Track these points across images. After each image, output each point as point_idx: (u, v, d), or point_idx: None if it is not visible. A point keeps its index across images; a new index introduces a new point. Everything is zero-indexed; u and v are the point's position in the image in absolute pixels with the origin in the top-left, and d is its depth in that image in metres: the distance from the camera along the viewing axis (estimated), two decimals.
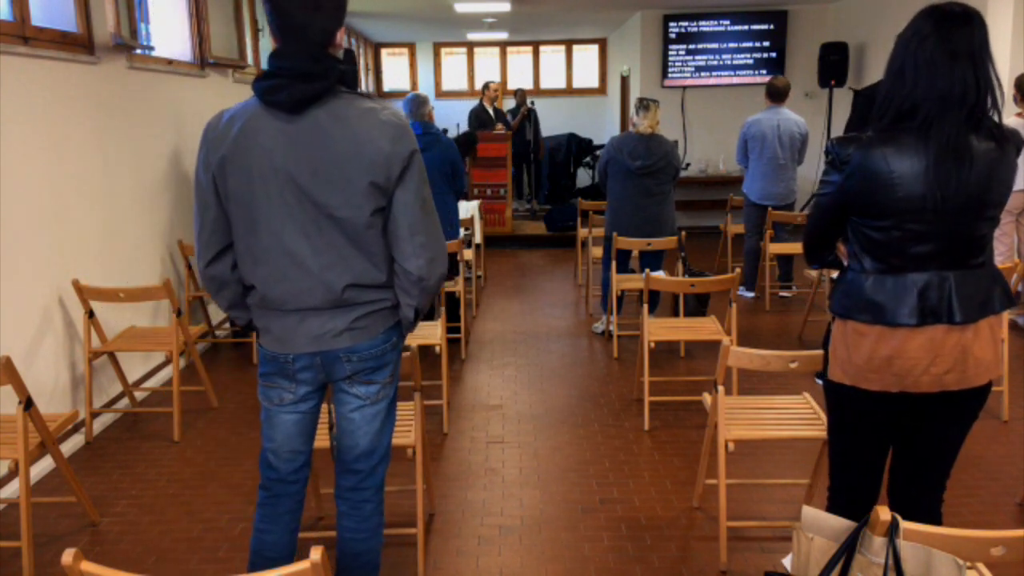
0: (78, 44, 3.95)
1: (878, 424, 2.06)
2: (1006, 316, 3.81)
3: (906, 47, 1.88)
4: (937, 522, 2.12)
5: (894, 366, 1.93)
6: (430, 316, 4.98)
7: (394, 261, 1.96)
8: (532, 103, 10.39)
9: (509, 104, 10.44)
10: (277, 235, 1.88)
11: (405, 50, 12.88)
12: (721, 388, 2.70)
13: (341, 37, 1.93)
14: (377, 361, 2.02)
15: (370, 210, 1.87)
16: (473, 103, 9.52)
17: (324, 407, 2.22)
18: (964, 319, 1.89)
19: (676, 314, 4.98)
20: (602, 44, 12.64)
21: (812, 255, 2.13)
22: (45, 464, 3.43)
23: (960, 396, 1.96)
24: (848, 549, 1.64)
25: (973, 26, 1.83)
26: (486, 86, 9.38)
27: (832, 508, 2.18)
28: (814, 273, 5.24)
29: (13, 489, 3.22)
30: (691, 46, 9.16)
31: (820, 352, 2.25)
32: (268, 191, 1.86)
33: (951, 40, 1.82)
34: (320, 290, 1.91)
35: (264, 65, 7.11)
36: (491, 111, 9.27)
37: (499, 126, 9.15)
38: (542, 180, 10.96)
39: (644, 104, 4.93)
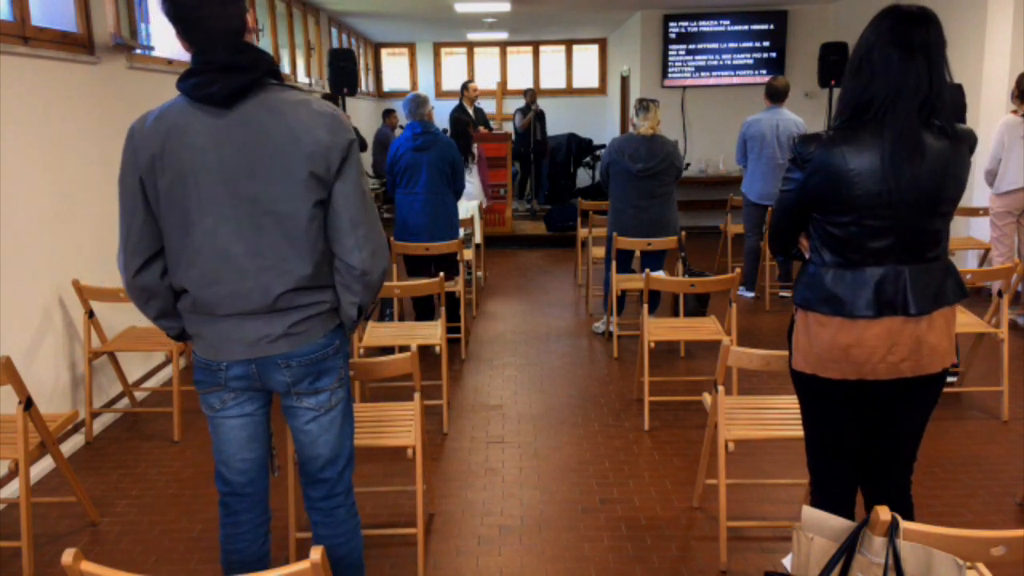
0: (78, 44, 3.95)
1: (841, 412, 2.12)
2: (1008, 311, 3.81)
3: (865, 46, 1.94)
4: (908, 508, 2.19)
5: (851, 355, 1.99)
6: (430, 316, 4.99)
7: (335, 257, 1.89)
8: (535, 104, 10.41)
9: (518, 103, 10.42)
10: (210, 235, 1.81)
11: (405, 50, 12.89)
12: (721, 388, 2.70)
13: (252, 21, 1.86)
14: (318, 367, 1.94)
15: (311, 203, 1.81)
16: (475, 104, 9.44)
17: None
18: (919, 311, 1.95)
19: (676, 314, 4.98)
20: (602, 44, 12.65)
21: (777, 248, 2.21)
22: (45, 464, 3.43)
23: (916, 383, 2.03)
24: (848, 549, 1.64)
25: (929, 25, 1.89)
26: (465, 86, 9.03)
27: (814, 499, 2.24)
28: None
29: (13, 489, 3.22)
30: (691, 46, 9.16)
31: None
32: (200, 190, 1.79)
33: (907, 37, 1.88)
34: (256, 294, 1.83)
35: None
36: (471, 112, 9.15)
37: (481, 128, 9.03)
38: (542, 180, 10.97)
39: (644, 105, 4.92)
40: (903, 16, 1.90)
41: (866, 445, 2.17)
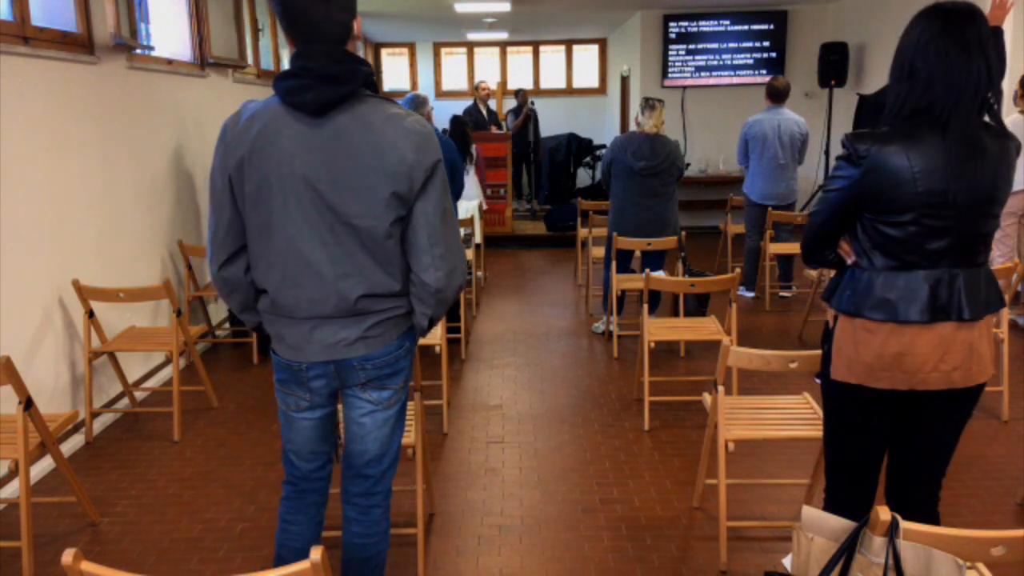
0: (78, 44, 3.95)
1: (880, 423, 2.07)
2: (1008, 311, 3.81)
3: (915, 47, 1.88)
4: (935, 520, 2.14)
5: (904, 363, 1.94)
6: None
7: (411, 271, 1.91)
8: (532, 103, 10.40)
9: (510, 104, 10.43)
10: (292, 241, 1.83)
11: (405, 50, 12.88)
12: (721, 388, 2.70)
13: (358, 28, 1.88)
14: (392, 368, 1.99)
15: (390, 220, 1.82)
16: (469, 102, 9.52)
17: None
18: (972, 316, 1.91)
19: (676, 314, 4.98)
20: (602, 44, 12.64)
21: (813, 254, 2.09)
22: (45, 464, 3.43)
23: (962, 393, 1.98)
24: (848, 549, 1.64)
25: (980, 21, 1.86)
26: (477, 86, 9.34)
27: (828, 509, 2.18)
28: (814, 273, 5.24)
29: (13, 489, 3.22)
30: (691, 46, 9.16)
31: (820, 352, 2.25)
32: (285, 195, 1.81)
33: (963, 34, 1.84)
34: (334, 299, 1.86)
35: (264, 65, 7.10)
36: (485, 111, 9.25)
37: (492, 128, 9.11)
38: (542, 180, 10.96)
39: (650, 104, 4.92)
40: (954, 13, 1.86)
41: (897, 458, 2.13)
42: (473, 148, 6.47)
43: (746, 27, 9.06)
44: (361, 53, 1.98)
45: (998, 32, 3.46)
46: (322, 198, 1.80)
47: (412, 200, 1.84)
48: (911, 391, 1.97)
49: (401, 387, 2.05)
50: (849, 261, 2.02)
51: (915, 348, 1.92)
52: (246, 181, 1.83)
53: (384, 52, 12.90)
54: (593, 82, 12.85)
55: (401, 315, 1.97)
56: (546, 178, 11.02)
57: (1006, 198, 1.92)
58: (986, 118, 1.90)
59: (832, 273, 2.14)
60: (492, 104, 9.76)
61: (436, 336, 3.93)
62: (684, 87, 9.28)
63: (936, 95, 1.85)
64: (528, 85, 12.45)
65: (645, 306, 4.03)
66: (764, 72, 9.03)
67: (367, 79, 1.83)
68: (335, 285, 1.85)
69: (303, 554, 2.11)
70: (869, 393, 2.00)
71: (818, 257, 2.09)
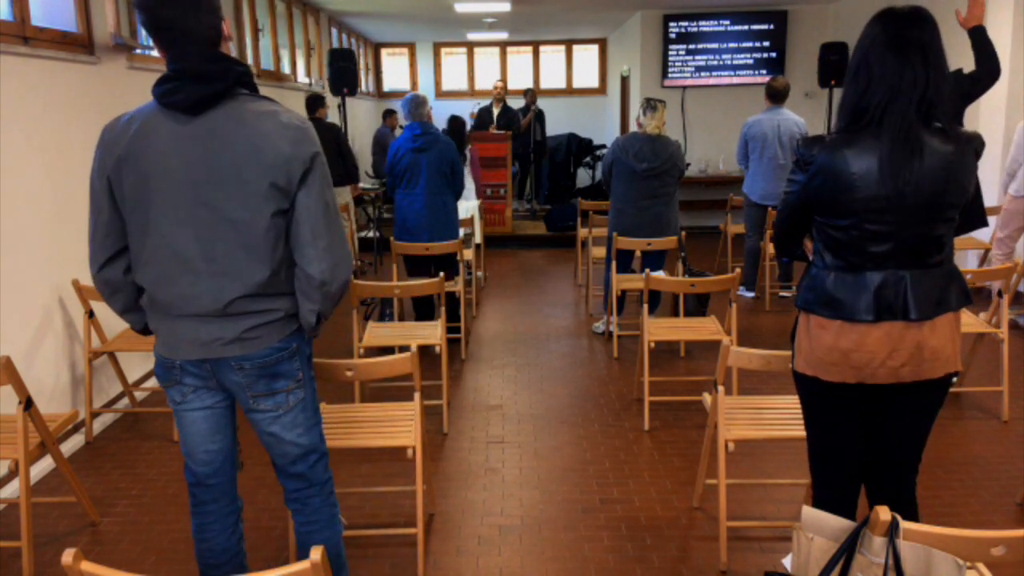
0: (78, 44, 3.95)
1: (842, 414, 2.12)
2: (1008, 311, 3.81)
3: (859, 51, 1.96)
4: (912, 510, 2.18)
5: (852, 359, 2.00)
6: (430, 316, 4.99)
7: (296, 266, 1.91)
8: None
9: (519, 103, 10.45)
10: (168, 238, 1.85)
11: (405, 50, 12.89)
12: (721, 388, 2.70)
13: (228, 30, 1.91)
14: (272, 370, 1.96)
15: (270, 212, 1.83)
16: (473, 103, 9.56)
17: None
18: (919, 316, 1.94)
19: (676, 314, 4.98)
20: (602, 44, 12.65)
21: (782, 249, 2.23)
22: (45, 464, 3.43)
23: (916, 388, 2.02)
24: (848, 549, 1.64)
25: (923, 25, 1.89)
26: (494, 86, 9.56)
27: (815, 502, 2.24)
28: None
29: (13, 489, 3.22)
30: (691, 46, 9.16)
31: None
32: (162, 194, 1.82)
33: (899, 37, 1.88)
34: (208, 297, 1.86)
35: (264, 65, 7.09)
36: (494, 112, 9.30)
37: (492, 127, 9.12)
38: (542, 180, 10.97)
39: (651, 104, 4.91)
40: (896, 17, 1.91)
41: (869, 450, 2.17)
42: (467, 149, 6.48)
43: (746, 27, 9.06)
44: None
45: (980, 30, 3.45)
46: (199, 196, 1.82)
47: (293, 193, 1.84)
48: (864, 384, 2.02)
49: (294, 387, 2.02)
50: (811, 258, 2.11)
51: (864, 345, 1.98)
52: (124, 181, 1.85)
53: (384, 52, 12.90)
54: (593, 82, 12.85)
55: (282, 319, 1.95)
56: (546, 178, 11.02)
57: (960, 201, 1.93)
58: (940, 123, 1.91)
59: None
60: (510, 102, 9.83)
61: (436, 336, 3.93)
62: (684, 87, 9.28)
63: (872, 97, 1.90)
64: (529, 85, 12.44)
65: (645, 306, 4.03)
66: (764, 72, 9.03)
67: (241, 78, 1.85)
68: (209, 283, 1.86)
69: (220, 568, 2.13)
70: (826, 385, 2.07)
71: (787, 252, 2.22)
